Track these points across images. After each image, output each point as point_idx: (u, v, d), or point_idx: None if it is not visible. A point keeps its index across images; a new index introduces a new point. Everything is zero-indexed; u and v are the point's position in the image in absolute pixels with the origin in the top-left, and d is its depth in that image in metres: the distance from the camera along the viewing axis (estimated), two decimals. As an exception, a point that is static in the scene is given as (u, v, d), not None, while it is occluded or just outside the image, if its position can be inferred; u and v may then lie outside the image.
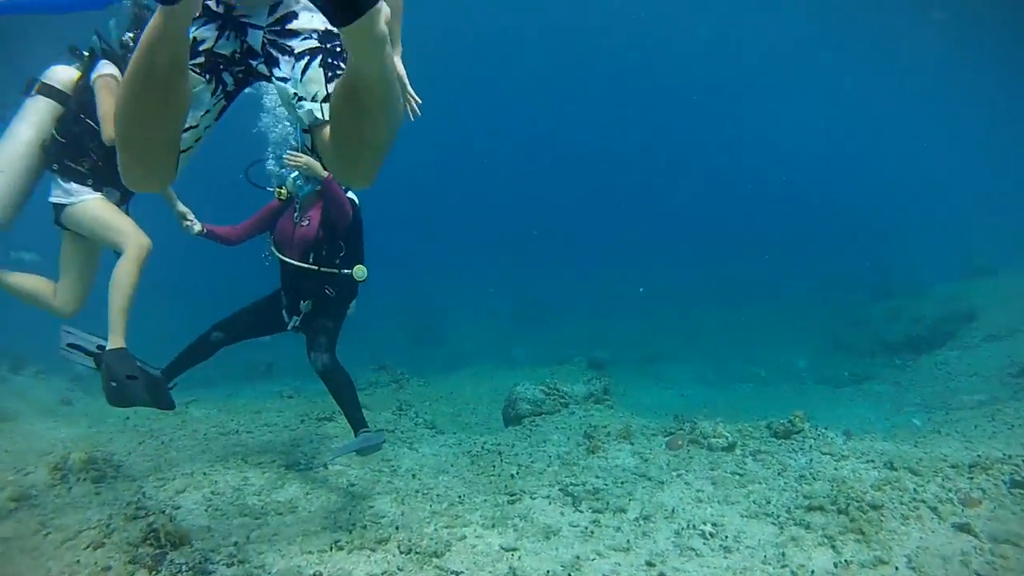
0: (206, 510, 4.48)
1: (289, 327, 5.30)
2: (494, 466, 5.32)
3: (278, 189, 5.17)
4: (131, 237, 4.19)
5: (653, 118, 41.85)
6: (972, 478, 4.29)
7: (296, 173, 5.06)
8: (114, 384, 3.74)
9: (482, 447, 5.90)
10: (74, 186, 4.35)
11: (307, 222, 5.16)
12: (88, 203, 4.33)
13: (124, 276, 4.07)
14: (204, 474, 5.06)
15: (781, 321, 16.42)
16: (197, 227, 5.17)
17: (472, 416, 8.26)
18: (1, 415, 7.35)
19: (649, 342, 15.27)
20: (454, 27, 30.89)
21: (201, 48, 2.13)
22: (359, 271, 5.15)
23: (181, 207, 5.11)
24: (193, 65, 2.09)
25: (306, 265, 5.07)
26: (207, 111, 2.19)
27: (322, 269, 5.10)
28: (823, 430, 5.49)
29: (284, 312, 5.32)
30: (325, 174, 4.92)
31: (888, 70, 29.69)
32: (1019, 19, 18.19)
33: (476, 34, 33.42)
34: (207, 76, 2.15)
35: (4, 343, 11.18)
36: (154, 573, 3.41)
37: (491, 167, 41.19)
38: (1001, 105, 25.61)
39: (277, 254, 5.21)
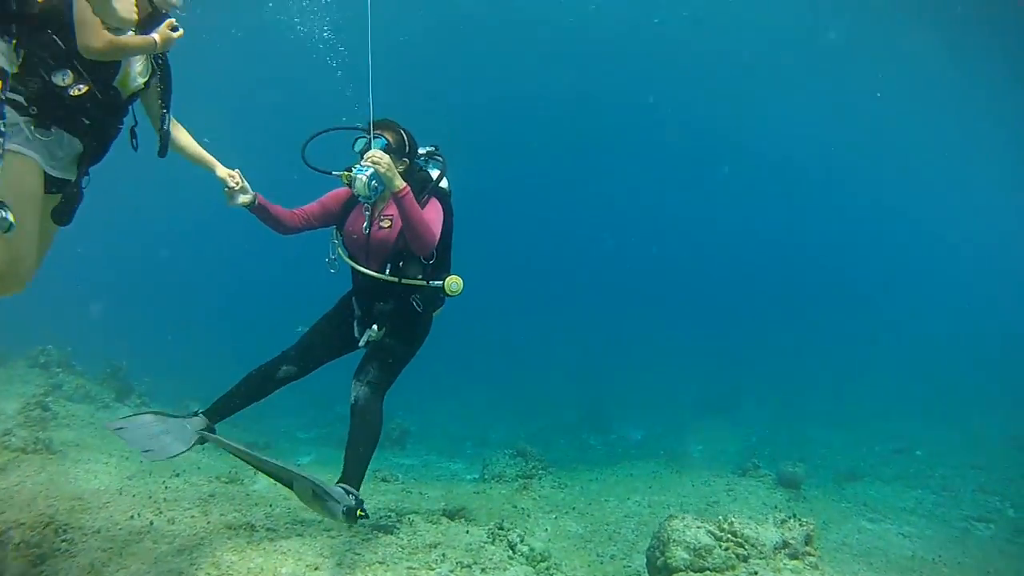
0: None
1: (360, 343, 4.33)
2: None
3: (345, 173, 4.08)
4: None
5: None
6: None
7: (372, 173, 3.91)
8: None
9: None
10: (10, 117, 2.92)
11: (387, 223, 4.18)
12: (6, 161, 2.80)
13: None
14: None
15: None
16: (247, 196, 4.17)
17: (606, 546, 5.96)
18: (56, 446, 6.16)
19: (844, 452, 12.46)
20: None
21: None
22: (452, 284, 4.19)
23: (223, 169, 4.11)
24: None
25: (384, 277, 4.14)
26: None
27: (403, 282, 4.15)
28: None
29: (355, 324, 4.40)
30: (401, 184, 3.90)
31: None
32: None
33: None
34: None
35: (125, 369, 10.45)
36: None
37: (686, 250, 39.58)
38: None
39: (348, 261, 4.31)
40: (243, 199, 4.15)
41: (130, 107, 3.48)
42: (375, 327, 4.20)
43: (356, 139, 4.16)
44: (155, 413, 4.22)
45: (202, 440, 4.16)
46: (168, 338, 18.29)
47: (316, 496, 3.60)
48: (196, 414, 4.24)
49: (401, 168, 4.14)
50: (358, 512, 3.70)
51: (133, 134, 3.54)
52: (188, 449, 3.98)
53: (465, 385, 17.61)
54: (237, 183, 4.11)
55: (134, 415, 4.15)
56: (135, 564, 3.63)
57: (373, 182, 3.93)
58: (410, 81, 23.30)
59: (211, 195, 4.19)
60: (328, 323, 4.54)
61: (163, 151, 3.74)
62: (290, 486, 3.83)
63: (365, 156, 3.92)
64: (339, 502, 3.61)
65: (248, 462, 4.05)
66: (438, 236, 4.07)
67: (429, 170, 4.45)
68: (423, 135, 4.48)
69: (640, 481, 8.65)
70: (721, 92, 29.06)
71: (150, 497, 5.00)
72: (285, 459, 9.29)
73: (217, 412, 4.30)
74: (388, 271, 4.15)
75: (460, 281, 4.18)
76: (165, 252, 28.78)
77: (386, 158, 3.88)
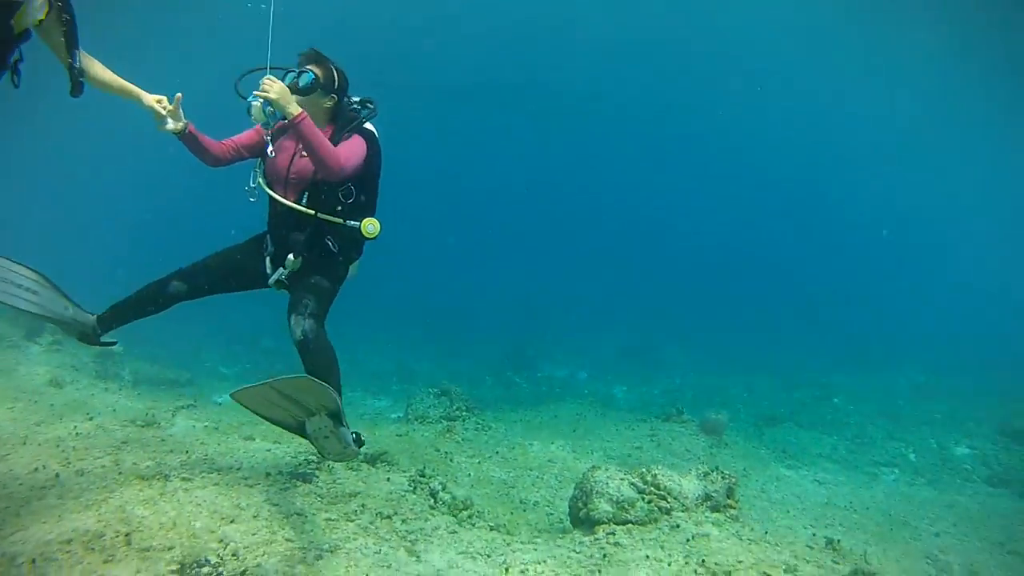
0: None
1: (271, 281, 4.22)
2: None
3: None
4: None
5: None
6: None
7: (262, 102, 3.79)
8: None
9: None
10: None
11: None
12: None
13: None
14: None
15: (934, 392, 13.47)
16: (178, 123, 3.97)
17: (529, 491, 5.98)
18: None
19: (766, 397, 12.76)
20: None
21: None
22: (368, 226, 4.06)
23: (150, 97, 3.89)
24: None
25: (301, 208, 4.00)
26: None
27: (320, 215, 4.01)
28: None
29: (267, 261, 4.25)
30: (296, 111, 3.71)
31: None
32: None
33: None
34: None
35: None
36: None
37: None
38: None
39: (266, 189, 4.13)
40: (174, 125, 3.97)
41: (19, 45, 3.26)
42: (291, 257, 4.11)
43: (285, 74, 4.01)
44: (46, 279, 3.97)
45: (82, 336, 4.13)
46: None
47: (334, 425, 3.52)
48: (91, 314, 4.16)
49: (329, 104, 4.09)
50: (361, 437, 3.77)
51: (16, 70, 3.32)
52: (34, 315, 3.82)
53: (391, 321, 17.36)
54: (167, 107, 3.91)
55: (21, 263, 3.84)
56: (35, 524, 3.41)
57: (268, 107, 3.81)
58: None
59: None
60: (234, 252, 4.41)
61: (76, 89, 3.49)
62: (302, 431, 3.70)
63: (260, 82, 3.78)
64: (348, 428, 3.61)
65: (262, 414, 3.89)
66: (347, 166, 3.92)
67: (361, 115, 4.31)
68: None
69: (564, 423, 8.70)
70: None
71: (58, 446, 4.74)
72: (206, 395, 9.10)
73: (106, 321, 4.20)
74: (305, 201, 4.05)
75: (377, 224, 4.09)
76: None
77: (278, 84, 3.74)
